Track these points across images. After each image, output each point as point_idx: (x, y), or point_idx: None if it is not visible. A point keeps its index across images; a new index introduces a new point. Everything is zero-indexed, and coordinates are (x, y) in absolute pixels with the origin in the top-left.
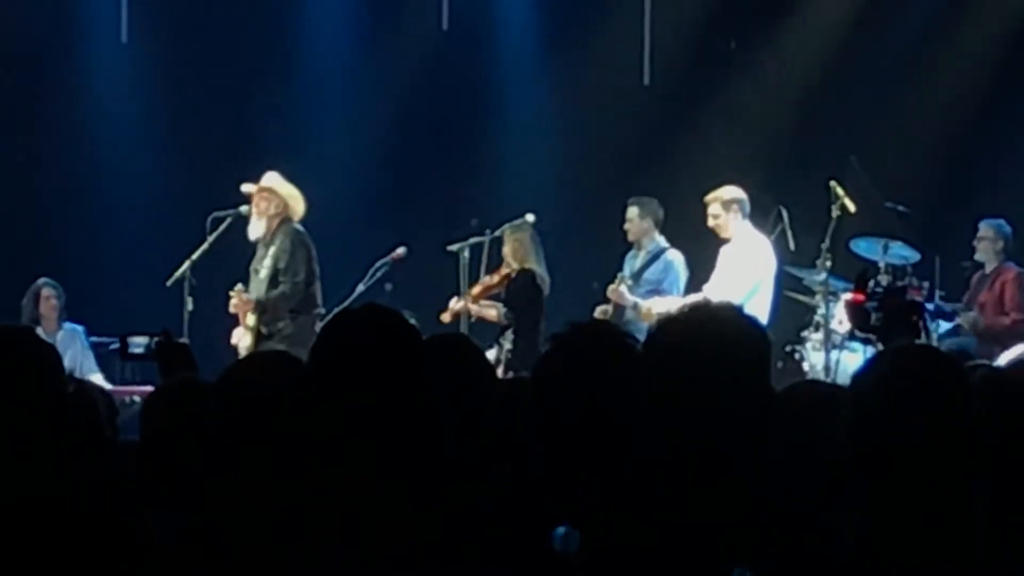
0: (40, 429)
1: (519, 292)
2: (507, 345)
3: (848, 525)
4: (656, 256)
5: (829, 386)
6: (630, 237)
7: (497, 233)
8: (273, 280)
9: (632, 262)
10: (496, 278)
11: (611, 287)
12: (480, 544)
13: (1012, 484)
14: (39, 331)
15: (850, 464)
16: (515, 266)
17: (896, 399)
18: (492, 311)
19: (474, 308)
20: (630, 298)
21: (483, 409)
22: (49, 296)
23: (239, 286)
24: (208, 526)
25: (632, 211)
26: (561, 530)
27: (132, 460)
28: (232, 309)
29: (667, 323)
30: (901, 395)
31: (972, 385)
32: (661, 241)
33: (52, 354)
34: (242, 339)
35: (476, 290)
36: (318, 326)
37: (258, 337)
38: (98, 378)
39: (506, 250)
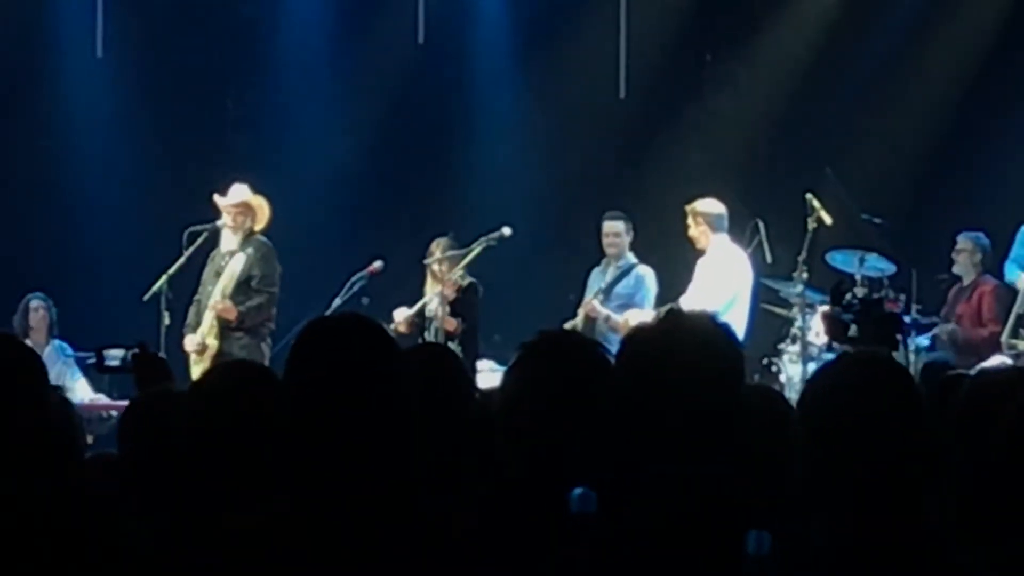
0: (21, 433)
1: (471, 303)
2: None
3: (811, 532)
4: (626, 271)
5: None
6: (614, 251)
7: (477, 248)
8: (243, 286)
9: (601, 278)
10: (453, 289)
11: (585, 301)
12: (459, 552)
13: (981, 486)
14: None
15: (806, 472)
16: (463, 280)
17: (841, 407)
18: (453, 321)
19: (446, 320)
20: (603, 310)
21: (462, 418)
22: (37, 307)
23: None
24: (185, 536)
25: (619, 225)
26: (578, 491)
27: (110, 471)
28: (221, 313)
29: (640, 330)
30: (845, 403)
31: (940, 390)
32: (631, 256)
33: (34, 359)
34: (207, 337)
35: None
36: (269, 339)
37: (222, 338)
38: (82, 386)
39: (444, 266)
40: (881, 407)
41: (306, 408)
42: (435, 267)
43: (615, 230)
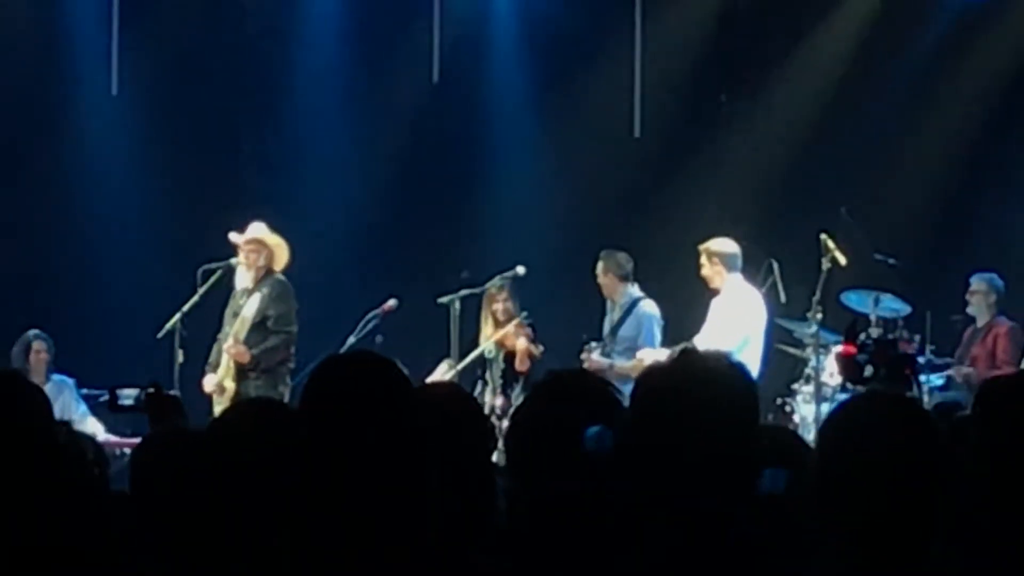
0: (29, 472)
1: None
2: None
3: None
4: (628, 310)
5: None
6: (606, 293)
7: (489, 285)
8: (259, 326)
9: (611, 316)
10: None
11: (584, 357)
12: None
13: (998, 521)
14: None
15: (819, 515)
16: (526, 321)
17: (857, 448)
18: (526, 362)
19: (533, 347)
20: (605, 361)
21: (475, 456)
22: (40, 350)
23: (231, 340)
24: (197, 573)
25: (598, 267)
26: (594, 429)
27: (122, 509)
28: (235, 357)
29: (654, 370)
30: (862, 443)
31: (951, 431)
32: (634, 292)
33: (40, 397)
34: (224, 379)
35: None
36: (287, 379)
37: (239, 379)
38: (92, 424)
39: (510, 305)
40: (900, 445)
41: (320, 446)
42: (497, 309)
43: (596, 272)
